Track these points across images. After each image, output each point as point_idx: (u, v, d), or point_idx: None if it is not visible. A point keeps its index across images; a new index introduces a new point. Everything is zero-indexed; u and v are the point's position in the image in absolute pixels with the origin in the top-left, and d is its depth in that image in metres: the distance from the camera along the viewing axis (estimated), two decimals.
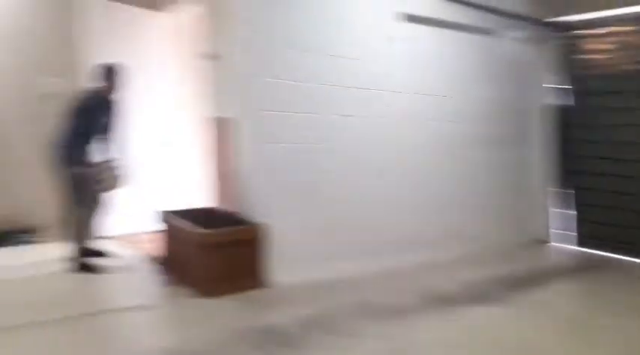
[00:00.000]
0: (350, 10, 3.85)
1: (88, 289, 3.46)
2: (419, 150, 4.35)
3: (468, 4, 4.45)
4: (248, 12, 3.46)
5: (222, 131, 4.27)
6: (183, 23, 5.03)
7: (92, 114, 3.62)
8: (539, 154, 5.16)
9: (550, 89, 5.12)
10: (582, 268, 4.43)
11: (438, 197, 4.47)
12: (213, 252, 3.26)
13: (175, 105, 5.12)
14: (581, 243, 4.93)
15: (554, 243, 5.08)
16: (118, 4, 4.57)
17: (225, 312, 3.03)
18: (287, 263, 3.55)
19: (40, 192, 4.41)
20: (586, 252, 4.80)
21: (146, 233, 4.54)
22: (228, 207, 3.89)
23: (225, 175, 4.30)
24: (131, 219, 4.65)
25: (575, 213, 5.01)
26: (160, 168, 4.99)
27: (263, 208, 3.51)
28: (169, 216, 3.76)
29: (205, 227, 3.38)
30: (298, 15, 3.55)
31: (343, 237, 3.85)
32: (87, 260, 3.68)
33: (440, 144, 4.47)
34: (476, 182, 4.74)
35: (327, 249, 3.77)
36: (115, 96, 3.77)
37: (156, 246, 3.98)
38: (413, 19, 4.19)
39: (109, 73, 3.73)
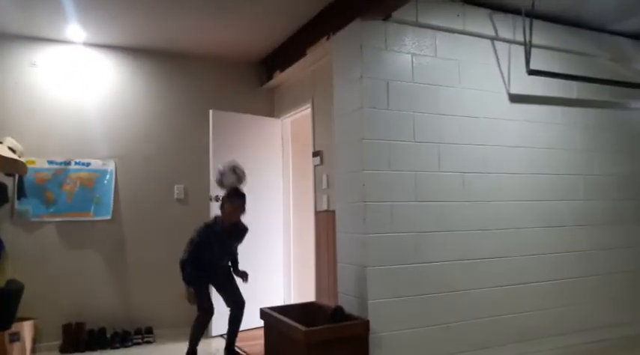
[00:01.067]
0: (456, 100, 3.79)
1: None
2: (538, 232, 4.00)
3: (587, 80, 4.22)
4: (349, 110, 3.57)
5: (328, 224, 4.28)
6: (295, 125, 5.36)
7: (207, 247, 3.71)
8: None
9: None
10: None
11: (562, 282, 4.05)
12: (317, 350, 3.08)
13: (286, 201, 5.28)
14: None
15: None
16: (240, 114, 5.01)
17: None
18: None
19: (157, 295, 4.68)
20: None
21: (250, 330, 4.48)
22: (331, 302, 3.74)
23: (329, 269, 4.22)
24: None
25: None
26: (267, 263, 5.04)
27: (365, 302, 3.31)
28: (272, 312, 3.69)
29: (307, 323, 3.24)
30: (398, 109, 3.56)
31: (453, 333, 3.53)
32: None
33: (561, 224, 4.12)
34: (603, 263, 4.27)
35: (435, 346, 3.47)
36: (234, 219, 3.80)
37: (260, 343, 3.88)
38: (522, 99, 4.05)
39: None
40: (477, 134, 3.84)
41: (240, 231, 3.90)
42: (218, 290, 3.96)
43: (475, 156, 3.81)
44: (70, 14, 4.05)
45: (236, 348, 3.96)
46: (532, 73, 3.94)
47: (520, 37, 3.91)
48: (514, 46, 4.02)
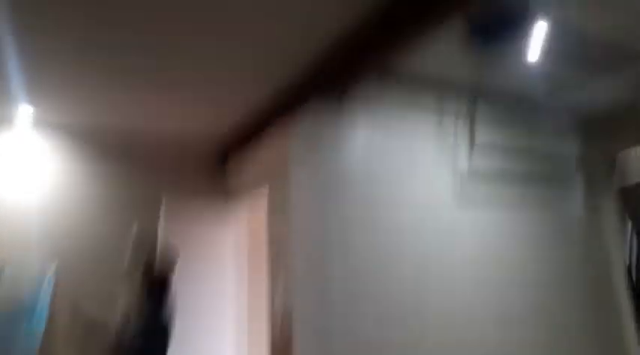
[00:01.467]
0: (408, 194, 3.78)
1: None
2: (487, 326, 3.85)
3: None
4: (305, 196, 3.49)
5: (283, 325, 4.00)
6: (250, 211, 5.19)
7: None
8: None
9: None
10: None
11: None
12: None
13: (239, 297, 4.98)
14: None
15: None
16: (187, 199, 4.84)
17: None
18: None
19: None
20: None
21: None
22: None
23: None
24: None
25: None
26: None
27: None
28: None
29: None
30: (353, 198, 3.51)
31: None
32: None
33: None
34: None
35: None
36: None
37: None
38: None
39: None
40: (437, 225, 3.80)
41: None
42: None
43: (431, 246, 3.75)
44: (17, 92, 3.83)
45: None
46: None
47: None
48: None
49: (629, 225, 4.66)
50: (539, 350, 3.95)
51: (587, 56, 3.49)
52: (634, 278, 4.55)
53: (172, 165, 5.13)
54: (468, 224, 3.97)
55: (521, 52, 3.13)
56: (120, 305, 3.58)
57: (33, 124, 4.49)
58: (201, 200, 5.00)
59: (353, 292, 3.30)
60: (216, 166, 5.35)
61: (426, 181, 3.87)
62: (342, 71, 3.29)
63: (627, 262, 4.60)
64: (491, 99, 4.35)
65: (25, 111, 4.24)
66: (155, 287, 3.67)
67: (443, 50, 3.26)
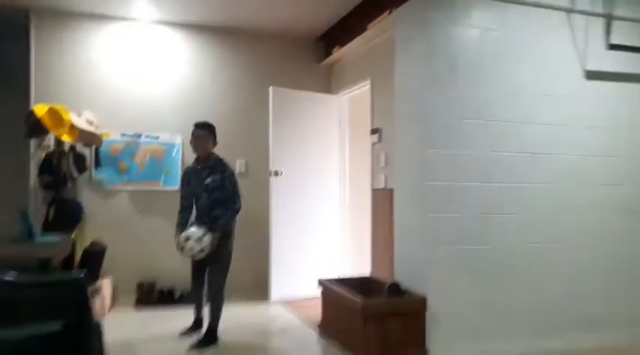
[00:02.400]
0: (527, 77, 3.69)
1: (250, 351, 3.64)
2: (606, 216, 3.84)
3: None
4: (411, 87, 3.58)
5: (385, 202, 4.36)
6: (353, 102, 5.41)
7: (185, 182, 3.85)
8: None
9: None
10: None
11: (628, 270, 3.89)
12: (373, 322, 3.21)
13: (342, 178, 5.38)
14: None
15: None
16: (299, 91, 5.12)
17: None
18: (448, 337, 3.34)
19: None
20: None
21: (309, 299, 4.68)
22: (386, 277, 3.84)
23: (386, 245, 4.31)
24: (295, 285, 4.87)
25: None
26: (323, 237, 5.20)
27: (423, 280, 3.39)
28: (330, 283, 3.84)
29: (364, 296, 3.37)
30: (464, 87, 3.54)
31: (510, 313, 3.53)
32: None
33: (630, 209, 3.92)
34: None
35: (491, 325, 3.48)
36: (196, 150, 3.71)
37: (316, 312, 4.06)
38: (600, 76, 3.85)
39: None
40: (549, 113, 3.73)
41: (211, 167, 3.64)
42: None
43: (546, 135, 3.70)
44: None
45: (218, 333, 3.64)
46: (612, 47, 3.76)
47: (599, 9, 3.73)
48: (592, 19, 3.79)
49: None
50: None
51: None
52: None
53: (278, 58, 5.36)
54: (593, 115, 3.83)
55: None
56: None
57: (154, 21, 4.91)
58: (306, 91, 5.23)
59: (456, 176, 3.47)
60: (319, 59, 5.49)
61: (546, 74, 3.73)
62: None
63: None
64: None
65: (146, 10, 4.65)
66: None
67: None
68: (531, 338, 3.55)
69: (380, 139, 4.59)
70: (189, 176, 3.74)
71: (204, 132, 3.63)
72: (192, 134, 3.66)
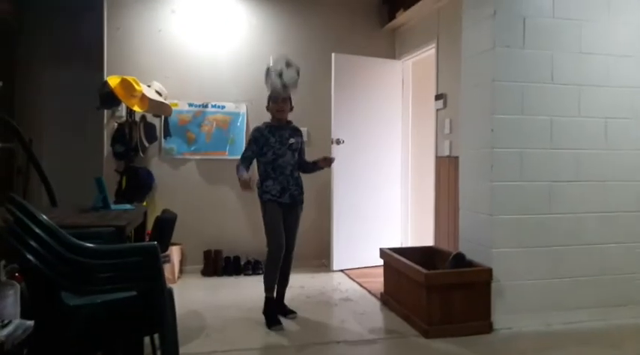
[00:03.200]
0: (604, 36, 3.42)
1: (311, 320, 3.72)
2: None
3: None
4: (479, 50, 3.40)
5: (449, 171, 4.24)
6: (417, 67, 5.24)
7: (264, 142, 3.58)
8: None
9: None
10: None
11: None
12: (437, 293, 3.18)
13: (405, 145, 5.28)
14: None
15: None
16: (361, 56, 5.01)
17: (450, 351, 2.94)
18: (513, 309, 3.27)
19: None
20: None
21: (370, 268, 4.71)
22: (450, 247, 3.77)
23: (449, 215, 4.22)
24: (357, 254, 4.90)
25: None
26: (385, 206, 5.16)
27: (488, 250, 3.29)
28: (392, 253, 3.82)
29: (426, 267, 3.33)
30: (535, 48, 3.31)
31: (581, 288, 3.40)
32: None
33: None
34: None
35: (561, 299, 3.37)
36: (279, 116, 3.63)
37: (379, 281, 4.08)
38: None
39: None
40: (628, 75, 3.46)
41: (291, 128, 3.66)
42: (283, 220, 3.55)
43: (623, 100, 3.46)
44: None
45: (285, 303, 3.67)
46: None
47: None
48: None
49: None
50: None
51: None
52: None
53: (341, 24, 5.23)
54: None
55: None
56: None
57: None
58: (368, 57, 5.10)
59: (523, 143, 3.30)
60: (382, 23, 5.31)
61: (627, 33, 3.43)
62: None
63: None
64: None
65: None
66: None
67: None
68: (597, 311, 3.41)
69: (445, 105, 4.43)
70: (266, 135, 3.59)
71: (287, 98, 3.64)
72: (276, 100, 3.60)
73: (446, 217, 4.35)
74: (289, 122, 3.69)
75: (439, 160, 4.51)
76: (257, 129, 3.61)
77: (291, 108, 3.69)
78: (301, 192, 3.63)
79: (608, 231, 3.46)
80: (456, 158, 3.88)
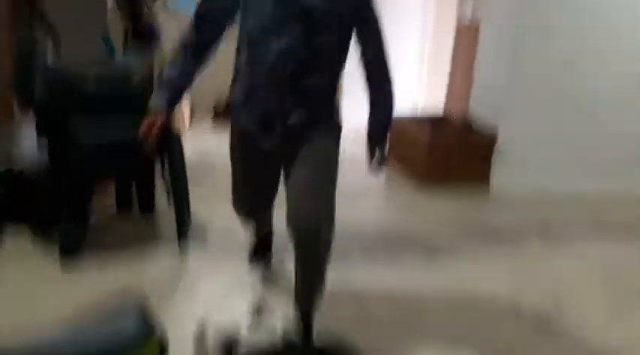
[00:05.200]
0: None
1: None
2: None
3: None
4: None
5: (469, 40, 4.06)
6: None
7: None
8: None
9: None
10: None
11: None
12: (439, 155, 3.26)
13: (426, 9, 5.00)
14: None
15: None
16: None
17: (445, 207, 3.14)
18: (514, 173, 3.38)
19: None
20: None
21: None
22: (460, 113, 3.77)
23: (463, 82, 4.15)
24: (359, 114, 4.88)
25: None
26: (400, 67, 5.00)
27: (496, 114, 3.32)
28: (400, 115, 3.81)
29: (435, 130, 3.37)
30: None
31: (585, 151, 3.42)
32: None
33: None
34: None
35: (562, 161, 3.42)
36: None
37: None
38: None
39: None
40: None
41: None
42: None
43: None
44: None
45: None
46: None
47: None
48: None
49: None
50: None
51: None
52: None
53: None
54: None
55: None
56: None
57: None
58: None
59: (550, 9, 3.15)
60: None
61: None
62: None
63: None
64: None
65: None
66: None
67: None
68: (604, 179, 3.43)
69: None
70: None
71: None
72: None
73: (460, 83, 4.22)
74: None
75: (460, 28, 4.25)
76: None
77: None
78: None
79: (622, 98, 3.37)
80: (477, 27, 3.70)
